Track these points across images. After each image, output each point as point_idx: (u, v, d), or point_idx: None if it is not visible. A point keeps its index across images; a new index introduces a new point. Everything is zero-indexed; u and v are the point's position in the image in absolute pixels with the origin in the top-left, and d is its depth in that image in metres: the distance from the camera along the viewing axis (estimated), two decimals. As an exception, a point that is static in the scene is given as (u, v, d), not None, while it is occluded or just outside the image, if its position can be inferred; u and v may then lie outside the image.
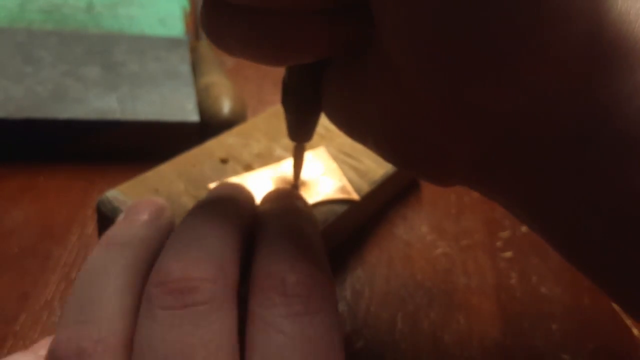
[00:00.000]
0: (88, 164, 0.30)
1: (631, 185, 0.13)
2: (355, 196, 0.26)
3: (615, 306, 0.28)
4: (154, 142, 0.30)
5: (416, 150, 0.17)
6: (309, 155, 0.27)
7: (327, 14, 0.16)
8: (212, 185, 0.25)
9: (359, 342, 0.24)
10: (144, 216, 0.19)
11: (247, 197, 0.20)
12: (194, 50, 0.38)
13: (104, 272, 0.16)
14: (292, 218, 0.18)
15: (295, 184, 0.25)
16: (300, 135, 0.22)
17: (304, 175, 0.26)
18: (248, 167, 0.26)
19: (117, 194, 0.24)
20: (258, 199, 0.25)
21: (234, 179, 0.25)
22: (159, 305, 0.14)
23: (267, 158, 0.27)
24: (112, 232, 0.18)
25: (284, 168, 0.27)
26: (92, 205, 0.28)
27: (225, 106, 0.32)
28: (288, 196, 0.20)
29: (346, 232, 0.28)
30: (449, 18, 0.12)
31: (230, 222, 0.17)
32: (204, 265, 0.15)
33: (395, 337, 0.25)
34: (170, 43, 0.35)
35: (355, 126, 0.20)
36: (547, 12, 0.12)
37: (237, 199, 0.19)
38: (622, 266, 0.15)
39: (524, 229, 0.31)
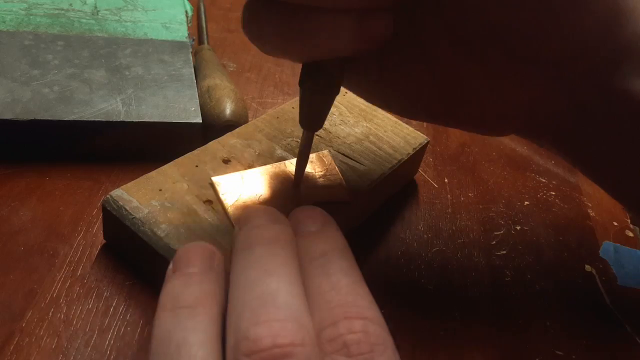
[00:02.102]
0: (93, 164, 0.31)
1: None
2: (352, 199, 0.26)
3: (608, 302, 0.28)
4: (158, 143, 0.31)
5: (473, 118, 0.21)
6: (313, 156, 0.28)
7: (359, 13, 0.17)
8: (214, 178, 0.25)
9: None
10: (197, 269, 0.18)
11: (289, 230, 0.19)
12: (197, 54, 0.39)
13: (184, 343, 0.15)
14: (330, 258, 0.18)
15: (296, 182, 0.26)
16: (314, 121, 0.22)
17: (306, 170, 0.27)
18: (249, 168, 0.27)
19: (122, 193, 0.24)
20: (259, 196, 0.26)
21: (236, 174, 0.26)
22: None
23: (268, 158, 0.28)
24: (172, 292, 0.17)
25: (285, 167, 0.27)
26: (97, 204, 0.29)
27: (228, 108, 0.32)
28: (318, 217, 0.19)
29: (345, 232, 0.29)
30: None
31: (291, 270, 0.17)
32: (289, 326, 0.15)
33: (392, 335, 0.25)
34: (174, 46, 0.36)
35: (407, 103, 0.22)
36: None
37: (285, 235, 0.18)
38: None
39: (518, 227, 0.32)
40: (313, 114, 0.22)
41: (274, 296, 0.16)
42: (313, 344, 0.15)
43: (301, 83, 0.21)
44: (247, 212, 0.20)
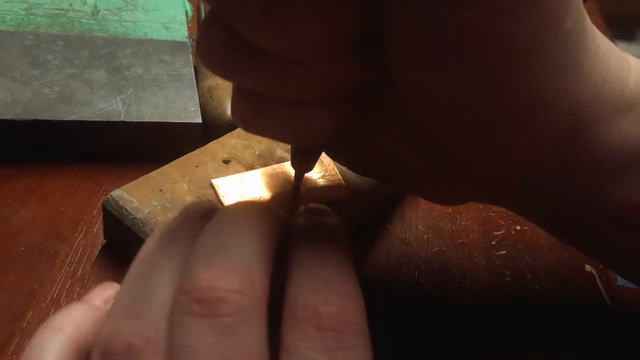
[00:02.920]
0: (94, 164, 0.31)
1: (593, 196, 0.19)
2: (352, 199, 0.26)
3: (608, 302, 0.28)
4: (158, 143, 0.31)
5: (424, 185, 0.21)
6: None
7: (331, 103, 0.18)
8: (214, 181, 0.26)
9: (357, 338, 0.25)
10: (197, 215, 0.18)
11: (278, 211, 0.20)
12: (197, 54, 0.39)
13: (158, 268, 0.16)
14: (327, 241, 0.18)
15: (296, 183, 0.26)
16: (303, 167, 0.23)
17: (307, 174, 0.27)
18: (250, 168, 0.27)
19: (122, 193, 0.24)
20: (259, 197, 0.26)
21: (235, 176, 0.26)
22: (186, 312, 0.14)
23: (268, 159, 0.28)
24: (171, 224, 0.18)
25: (285, 168, 0.27)
26: (98, 204, 0.29)
27: (229, 108, 0.32)
28: (322, 214, 0.19)
29: (345, 231, 0.29)
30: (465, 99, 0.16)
31: (261, 230, 0.17)
32: (232, 275, 0.15)
33: (392, 334, 0.25)
34: (174, 46, 0.36)
35: (363, 166, 0.23)
36: (530, 102, 0.16)
37: (269, 208, 0.19)
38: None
39: (518, 227, 0.32)
40: (301, 165, 0.23)
41: (231, 246, 0.16)
42: (255, 298, 0.15)
43: (291, 162, 0.23)
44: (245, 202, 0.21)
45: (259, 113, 0.18)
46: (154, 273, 0.16)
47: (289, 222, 0.19)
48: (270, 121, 0.19)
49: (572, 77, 0.16)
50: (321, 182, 0.27)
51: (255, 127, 0.19)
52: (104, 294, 0.17)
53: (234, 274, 0.15)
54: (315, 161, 0.23)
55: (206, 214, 0.18)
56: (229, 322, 0.14)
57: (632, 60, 0.19)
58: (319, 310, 0.15)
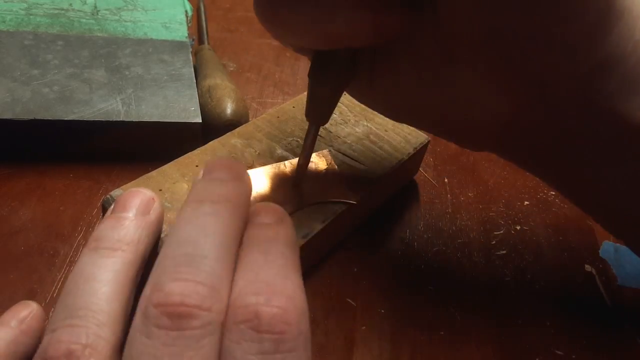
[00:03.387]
0: (93, 164, 0.31)
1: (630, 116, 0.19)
2: (352, 199, 0.26)
3: (608, 302, 0.28)
4: (158, 143, 0.31)
5: (456, 125, 0.21)
6: (313, 156, 0.28)
7: (378, 5, 0.17)
8: None
9: (357, 338, 0.25)
10: (131, 213, 0.19)
11: (246, 192, 0.20)
12: (197, 53, 0.39)
13: (93, 278, 0.16)
14: (275, 244, 0.18)
15: (298, 176, 0.26)
16: (321, 114, 0.22)
17: (308, 170, 0.27)
18: (249, 167, 0.27)
19: (122, 193, 0.24)
20: (256, 197, 0.26)
21: None
22: (155, 324, 0.15)
23: (268, 158, 0.28)
24: (100, 234, 0.18)
25: (285, 167, 0.27)
26: (97, 204, 0.29)
27: (228, 108, 0.32)
28: (276, 215, 0.19)
29: (345, 231, 0.29)
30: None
31: (229, 231, 0.17)
32: (203, 291, 0.15)
33: (392, 334, 0.25)
34: (174, 46, 0.36)
35: (395, 108, 0.22)
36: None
37: (238, 200, 0.19)
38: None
39: (518, 227, 0.32)
40: (321, 107, 0.22)
41: (201, 258, 0.16)
42: (220, 313, 0.15)
43: (311, 75, 0.21)
44: (213, 161, 0.20)
45: (290, 6, 0.17)
46: (88, 283, 0.16)
47: (250, 194, 0.20)
48: (301, 17, 0.17)
49: None
50: (321, 181, 0.27)
51: (282, 24, 0.18)
52: (19, 314, 0.18)
53: (204, 289, 0.15)
54: (330, 112, 0.22)
55: (144, 210, 0.19)
56: (195, 334, 0.15)
57: None
58: (259, 312, 0.15)
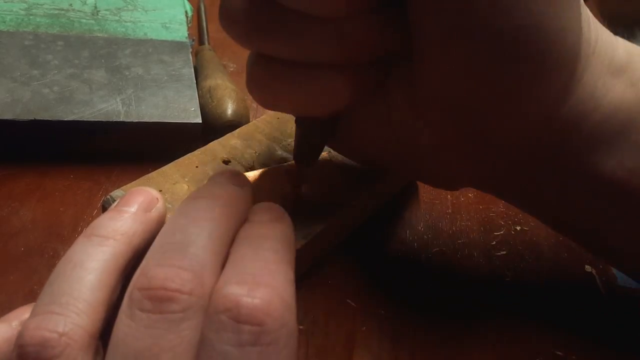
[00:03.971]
0: (93, 164, 0.31)
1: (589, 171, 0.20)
2: (353, 200, 0.26)
3: (609, 303, 0.28)
4: (158, 144, 0.31)
5: (429, 168, 0.22)
6: None
7: (349, 69, 0.19)
8: None
9: (357, 338, 0.25)
10: (132, 208, 0.19)
11: (245, 195, 0.20)
12: (197, 54, 0.39)
13: (80, 265, 0.16)
14: (269, 240, 0.18)
15: (297, 183, 0.26)
16: (308, 158, 0.24)
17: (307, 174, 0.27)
18: (250, 168, 0.27)
19: (122, 193, 0.24)
20: (256, 199, 0.26)
21: None
22: (138, 307, 0.15)
23: (268, 159, 0.28)
24: (97, 222, 0.18)
25: (284, 169, 0.27)
26: (97, 205, 0.29)
27: (229, 108, 0.32)
28: (273, 212, 0.20)
29: (345, 232, 0.29)
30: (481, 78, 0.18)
31: (221, 224, 0.18)
32: (185, 276, 0.15)
33: (392, 335, 0.25)
34: (174, 47, 0.36)
35: (366, 154, 0.23)
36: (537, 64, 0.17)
37: (233, 200, 0.19)
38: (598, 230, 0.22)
39: (518, 228, 0.32)
40: (306, 155, 0.23)
41: (187, 245, 0.16)
42: (203, 297, 0.16)
43: (298, 123, 0.22)
44: (218, 171, 0.21)
45: (276, 78, 0.19)
46: (75, 270, 0.16)
47: (251, 200, 0.20)
48: (286, 86, 0.19)
49: (574, 31, 0.18)
50: (320, 182, 0.27)
51: (271, 95, 0.20)
52: (22, 315, 0.18)
53: (187, 274, 0.16)
54: (319, 154, 0.23)
55: (147, 207, 0.19)
56: (175, 317, 0.15)
57: (619, 39, 0.21)
58: (240, 302, 0.15)
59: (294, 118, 0.31)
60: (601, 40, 0.19)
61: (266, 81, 0.19)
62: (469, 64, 0.17)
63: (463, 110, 0.19)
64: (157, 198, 0.20)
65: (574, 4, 0.17)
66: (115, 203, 0.19)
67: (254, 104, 0.39)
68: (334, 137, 0.23)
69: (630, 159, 0.19)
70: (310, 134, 0.22)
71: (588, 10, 0.19)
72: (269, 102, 0.20)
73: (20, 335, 0.15)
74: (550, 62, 0.17)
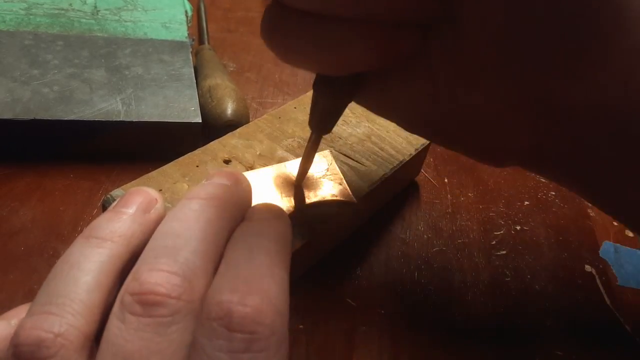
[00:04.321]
0: (93, 164, 0.31)
1: None
2: (353, 200, 0.26)
3: (608, 302, 0.28)
4: (158, 143, 0.31)
5: (475, 145, 0.20)
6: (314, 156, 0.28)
7: (387, 26, 0.17)
8: None
9: (357, 338, 0.25)
10: (131, 209, 0.19)
11: (242, 195, 0.20)
12: (197, 53, 0.39)
13: (77, 267, 0.17)
14: (264, 242, 0.18)
15: (298, 182, 0.26)
16: (324, 125, 0.22)
17: (308, 173, 0.27)
18: (250, 168, 0.27)
19: (122, 193, 0.24)
20: (256, 198, 0.26)
21: None
22: (129, 311, 0.15)
23: (268, 159, 0.28)
24: (95, 223, 0.18)
25: (285, 168, 0.27)
26: (97, 204, 0.29)
27: (229, 108, 0.32)
28: (270, 213, 0.19)
29: (346, 232, 0.29)
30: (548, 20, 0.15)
31: (214, 229, 0.18)
32: (174, 281, 0.16)
33: (392, 335, 0.25)
34: (174, 46, 0.36)
35: (409, 122, 0.21)
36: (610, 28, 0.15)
37: (229, 200, 0.19)
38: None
39: (518, 227, 0.32)
40: (324, 118, 0.22)
41: (179, 249, 0.17)
42: (191, 302, 0.16)
43: (316, 87, 0.21)
44: (217, 171, 0.20)
45: (291, 29, 0.17)
46: (72, 271, 0.16)
47: (250, 200, 0.20)
48: (302, 39, 0.17)
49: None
50: (322, 182, 0.27)
51: (284, 46, 0.18)
52: (21, 314, 0.18)
53: (176, 279, 0.16)
54: (336, 120, 0.22)
55: (145, 208, 0.19)
56: (164, 321, 0.15)
57: None
58: (232, 310, 0.15)
59: (293, 119, 0.31)
60: None
61: (281, 30, 0.17)
62: (526, 19, 0.15)
63: (524, 74, 0.17)
64: (156, 199, 0.20)
65: None
66: (114, 203, 0.19)
67: (254, 104, 0.39)
68: (366, 97, 0.21)
69: None
70: (327, 96, 0.20)
71: None
72: (281, 53, 0.18)
73: (16, 334, 0.15)
74: (619, 20, 0.15)
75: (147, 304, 0.15)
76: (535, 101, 0.18)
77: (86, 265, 0.17)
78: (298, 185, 0.26)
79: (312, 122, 0.22)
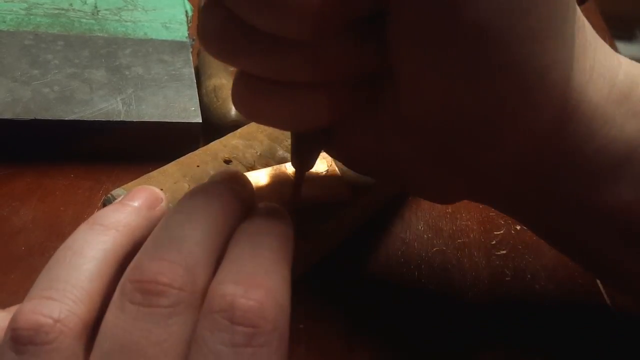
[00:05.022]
0: (94, 164, 0.31)
1: (584, 198, 0.19)
2: (353, 200, 0.26)
3: (608, 302, 0.29)
4: (158, 143, 0.31)
5: (422, 184, 0.21)
6: None
7: (328, 87, 0.18)
8: None
9: (357, 338, 0.25)
10: (136, 203, 0.19)
11: (245, 195, 0.20)
12: (200, 53, 0.39)
13: (79, 253, 0.17)
14: (268, 240, 0.18)
15: (297, 183, 0.26)
16: (306, 164, 0.23)
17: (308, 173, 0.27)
18: (251, 168, 0.27)
19: (123, 192, 0.24)
20: (257, 198, 0.26)
21: None
22: (129, 299, 0.15)
23: (269, 159, 0.28)
24: (100, 213, 0.18)
25: (286, 168, 0.27)
26: (98, 204, 0.29)
27: (233, 108, 0.32)
28: (273, 213, 0.20)
29: (345, 231, 0.29)
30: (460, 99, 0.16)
31: (217, 222, 0.18)
32: (177, 271, 0.15)
33: (392, 334, 0.25)
34: (174, 46, 0.36)
35: (361, 165, 0.23)
36: (522, 92, 0.16)
37: (232, 199, 0.19)
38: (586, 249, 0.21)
39: (518, 227, 0.32)
40: (302, 160, 0.23)
41: (182, 241, 0.16)
42: (193, 293, 0.16)
43: (291, 132, 0.23)
44: (220, 171, 0.21)
45: (258, 96, 0.18)
46: (75, 256, 0.16)
47: (252, 200, 0.20)
48: (268, 105, 0.18)
49: (563, 65, 0.16)
50: (321, 182, 0.27)
51: (254, 112, 0.19)
52: None
53: (179, 269, 0.16)
54: (315, 159, 0.23)
55: (151, 204, 0.19)
56: (164, 312, 0.15)
57: (622, 57, 0.19)
58: (235, 303, 0.15)
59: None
60: (599, 66, 0.18)
61: (248, 97, 0.19)
62: (447, 92, 0.16)
63: (444, 137, 0.18)
64: (161, 198, 0.20)
65: (566, 34, 0.16)
66: (120, 198, 0.20)
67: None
68: (330, 146, 0.23)
69: (630, 192, 0.18)
70: (302, 143, 0.22)
71: (586, 30, 0.18)
72: (253, 117, 0.20)
73: (14, 318, 0.15)
74: (534, 98, 0.16)
75: (148, 292, 0.15)
76: (456, 163, 0.19)
77: (89, 252, 0.17)
78: (298, 185, 0.26)
79: (293, 163, 0.24)
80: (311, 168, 0.24)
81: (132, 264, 0.16)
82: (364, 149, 0.21)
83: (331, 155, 0.25)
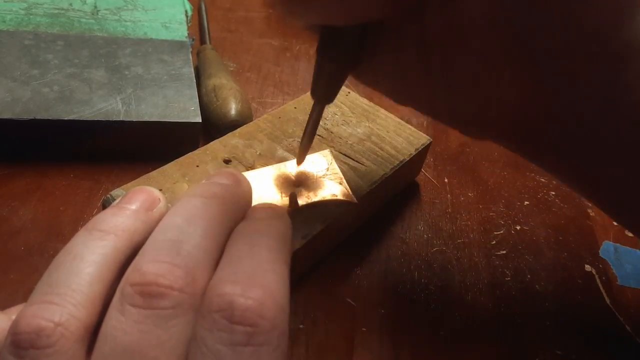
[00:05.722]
0: (93, 163, 0.31)
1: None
2: (353, 199, 0.26)
3: (608, 302, 0.29)
4: (158, 143, 0.31)
5: (461, 113, 0.20)
6: (314, 156, 0.28)
7: None
8: None
9: (357, 338, 0.25)
10: (134, 206, 0.19)
11: (243, 195, 0.20)
12: (200, 53, 0.39)
13: (80, 258, 0.16)
14: (266, 239, 0.18)
15: (299, 160, 0.26)
16: (327, 93, 0.22)
17: (307, 170, 0.27)
18: (250, 168, 0.27)
19: (122, 192, 0.24)
20: (256, 197, 0.26)
21: None
22: (129, 302, 0.15)
23: (269, 158, 0.28)
24: (99, 217, 0.18)
25: (285, 168, 0.27)
26: (97, 204, 0.29)
27: (233, 108, 0.32)
28: (272, 212, 0.20)
29: (346, 231, 0.29)
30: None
31: (215, 224, 0.18)
32: (177, 273, 0.15)
33: (392, 335, 0.25)
34: (174, 46, 0.36)
35: (397, 91, 0.22)
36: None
37: (230, 199, 0.19)
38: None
39: (518, 227, 0.32)
40: (327, 85, 0.21)
41: (181, 243, 0.16)
42: (194, 294, 0.16)
43: (319, 51, 0.21)
44: (217, 171, 0.21)
45: None
46: (75, 262, 0.16)
47: (250, 200, 0.20)
48: None
49: None
50: (322, 182, 0.27)
51: None
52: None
53: (179, 271, 0.16)
54: (338, 89, 0.22)
55: (149, 206, 0.19)
56: (165, 314, 0.15)
57: None
58: (234, 302, 0.15)
59: (293, 119, 0.31)
60: None
61: None
62: None
63: (511, 29, 0.17)
64: (159, 198, 0.20)
65: None
66: (118, 200, 0.19)
67: (254, 103, 0.39)
68: (359, 66, 0.21)
69: None
70: (333, 58, 0.20)
71: None
72: (295, 10, 0.18)
73: (15, 322, 0.15)
74: None
75: (149, 295, 0.15)
76: (527, 60, 0.18)
77: (89, 257, 0.17)
78: (298, 185, 0.26)
79: (315, 92, 0.22)
80: (332, 101, 0.22)
81: (131, 267, 0.16)
82: (408, 67, 0.20)
83: (360, 80, 0.23)
